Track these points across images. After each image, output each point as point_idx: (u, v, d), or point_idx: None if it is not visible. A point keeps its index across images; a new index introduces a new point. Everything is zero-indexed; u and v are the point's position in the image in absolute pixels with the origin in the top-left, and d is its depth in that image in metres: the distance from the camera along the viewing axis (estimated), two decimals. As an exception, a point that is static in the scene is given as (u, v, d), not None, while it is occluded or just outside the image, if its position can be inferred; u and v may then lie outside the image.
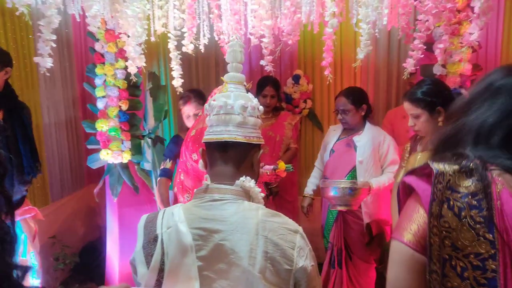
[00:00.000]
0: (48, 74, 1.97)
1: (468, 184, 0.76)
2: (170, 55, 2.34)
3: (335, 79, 3.43)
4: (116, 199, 2.64)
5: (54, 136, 3.19)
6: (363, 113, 2.63)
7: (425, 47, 1.85)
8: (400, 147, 2.73)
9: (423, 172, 0.84)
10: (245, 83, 1.31)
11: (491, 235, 0.72)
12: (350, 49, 3.34)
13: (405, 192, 0.91)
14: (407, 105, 1.91)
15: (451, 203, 0.75)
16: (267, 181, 2.46)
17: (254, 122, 1.24)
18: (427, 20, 1.72)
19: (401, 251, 0.83)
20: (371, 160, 2.58)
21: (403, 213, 0.88)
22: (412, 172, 0.87)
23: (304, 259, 1.08)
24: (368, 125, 2.67)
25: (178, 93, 2.46)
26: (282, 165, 2.39)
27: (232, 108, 1.20)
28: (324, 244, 2.81)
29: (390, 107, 3.45)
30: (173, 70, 2.35)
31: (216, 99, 1.25)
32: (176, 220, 1.10)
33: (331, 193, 2.37)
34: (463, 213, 0.74)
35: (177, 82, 2.37)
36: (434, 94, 1.85)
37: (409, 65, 1.89)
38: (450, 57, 2.00)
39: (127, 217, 2.67)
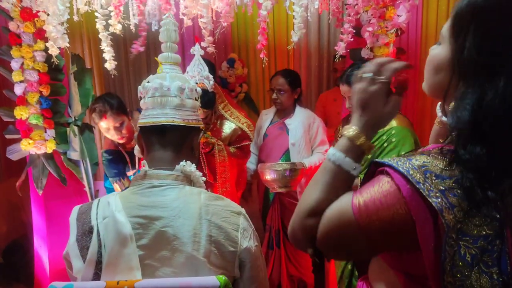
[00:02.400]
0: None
1: (480, 227, 0.63)
2: (100, 35, 2.19)
3: (270, 63, 3.47)
4: (42, 192, 2.44)
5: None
6: (296, 96, 2.72)
7: (354, 31, 1.92)
8: (331, 129, 2.86)
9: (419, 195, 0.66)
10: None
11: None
12: (283, 33, 3.39)
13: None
14: (344, 88, 1.96)
15: (462, 251, 0.63)
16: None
17: (192, 104, 1.21)
18: (356, 4, 1.79)
19: (342, 211, 0.73)
20: (303, 142, 2.68)
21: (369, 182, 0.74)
22: (402, 172, 0.68)
23: (248, 240, 1.09)
24: (298, 108, 2.76)
25: (112, 76, 2.31)
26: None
27: (169, 90, 1.16)
28: (263, 226, 2.87)
29: (322, 90, 3.56)
30: (104, 52, 2.20)
31: (151, 80, 1.19)
32: (113, 209, 1.05)
33: (270, 176, 2.41)
34: (475, 261, 0.63)
35: (110, 65, 2.23)
36: None
37: (341, 48, 1.96)
38: (377, 41, 2.10)
39: (55, 210, 2.49)
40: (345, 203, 0.73)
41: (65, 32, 1.92)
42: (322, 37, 3.45)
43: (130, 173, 2.39)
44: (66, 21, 2.03)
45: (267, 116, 2.86)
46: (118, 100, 2.23)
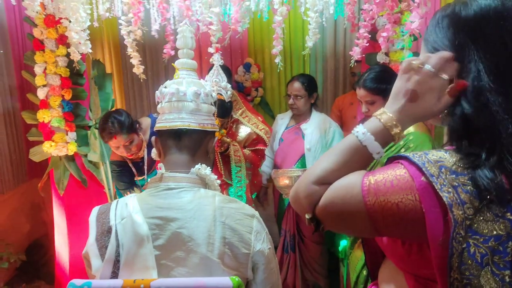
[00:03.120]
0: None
1: (491, 226, 0.62)
2: (125, 42, 2.25)
3: (285, 67, 3.49)
4: (63, 193, 2.52)
5: (-10, 129, 2.97)
6: (312, 101, 2.72)
7: (369, 36, 1.93)
8: (347, 133, 2.85)
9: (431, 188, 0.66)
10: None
11: None
12: (299, 37, 3.40)
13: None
14: (361, 92, 1.95)
15: (472, 249, 0.62)
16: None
17: (207, 109, 1.24)
18: (371, 10, 1.80)
19: (351, 183, 0.73)
20: (319, 146, 2.68)
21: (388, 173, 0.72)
22: (417, 163, 0.68)
23: (261, 243, 1.11)
24: (314, 112, 2.76)
25: (141, 80, 2.36)
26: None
27: (185, 95, 1.20)
28: (278, 230, 2.88)
29: (338, 94, 3.56)
30: (131, 58, 2.26)
31: (168, 86, 1.23)
32: (130, 210, 1.09)
33: (284, 182, 2.42)
34: (485, 261, 0.62)
35: (138, 70, 2.29)
36: (387, 80, 1.92)
37: (356, 53, 1.96)
38: (392, 46, 2.10)
39: (76, 211, 2.56)
40: (355, 179, 0.73)
41: (88, 38, 1.99)
42: (338, 41, 3.45)
43: (139, 178, 2.45)
44: (87, 27, 2.11)
45: (283, 120, 2.86)
46: (128, 118, 2.21)
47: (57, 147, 2.45)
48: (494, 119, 0.64)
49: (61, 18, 2.00)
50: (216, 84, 2.06)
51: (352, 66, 2.15)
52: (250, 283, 1.13)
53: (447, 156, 0.68)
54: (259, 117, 2.63)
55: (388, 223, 0.69)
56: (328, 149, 2.71)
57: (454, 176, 0.65)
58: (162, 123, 1.20)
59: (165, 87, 1.24)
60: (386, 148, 2.03)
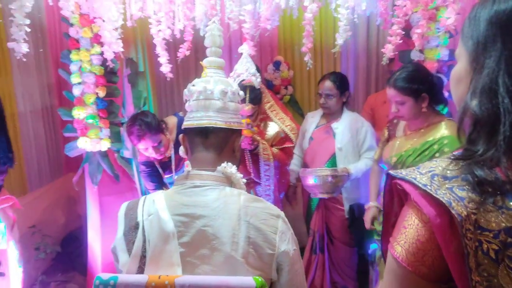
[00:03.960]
0: (24, 60, 1.92)
1: (498, 219, 0.60)
2: (154, 41, 2.30)
3: (316, 65, 3.44)
4: (96, 188, 2.60)
5: (30, 124, 3.11)
6: (344, 100, 2.65)
7: (403, 32, 1.87)
8: (379, 132, 2.78)
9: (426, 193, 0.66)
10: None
11: None
12: (330, 35, 3.35)
13: (392, 191, 0.78)
14: (391, 92, 1.90)
15: (485, 246, 0.60)
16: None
17: (234, 107, 1.23)
18: (405, 6, 1.74)
19: (392, 264, 0.72)
20: (350, 146, 2.61)
21: (399, 220, 0.74)
22: (409, 179, 0.69)
23: (286, 243, 1.10)
24: (346, 111, 2.69)
25: (168, 79, 2.41)
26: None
27: (212, 94, 1.20)
28: (306, 230, 2.84)
29: (370, 92, 3.49)
30: (159, 56, 2.30)
31: (196, 84, 1.24)
32: (157, 207, 1.10)
33: (312, 181, 2.39)
34: (499, 256, 0.60)
35: (166, 68, 2.33)
36: (419, 81, 1.85)
37: (388, 50, 1.91)
38: (427, 43, 2.03)
39: (108, 205, 2.64)
40: (389, 264, 0.73)
41: (119, 37, 2.03)
42: (371, 38, 3.38)
43: (167, 176, 2.48)
44: (120, 26, 2.16)
45: (313, 118, 2.79)
46: (154, 120, 2.23)
47: (91, 143, 2.52)
48: (498, 116, 0.62)
49: (95, 18, 2.05)
50: (245, 70, 2.09)
51: (385, 63, 2.09)
52: (275, 284, 1.12)
53: (436, 164, 0.69)
54: (288, 114, 2.61)
55: (434, 268, 0.68)
56: (360, 148, 2.64)
57: (447, 181, 0.65)
58: (190, 121, 1.21)
59: (193, 85, 1.24)
60: (420, 151, 1.96)
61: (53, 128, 3.35)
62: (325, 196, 2.43)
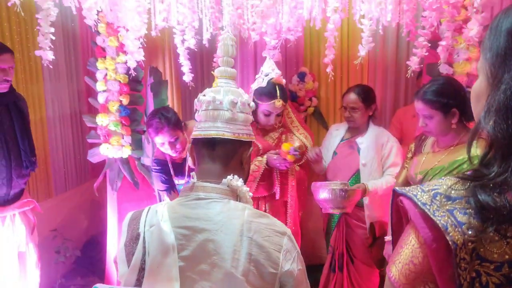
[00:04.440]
0: (51, 67, 1.98)
1: (501, 249, 0.55)
2: (178, 50, 2.32)
3: (342, 77, 3.36)
4: (116, 194, 2.63)
5: (58, 130, 3.20)
6: (370, 113, 2.55)
7: (429, 44, 1.78)
8: (406, 147, 2.66)
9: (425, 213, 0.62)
10: None
11: None
12: (356, 47, 3.27)
13: (398, 209, 0.73)
14: (419, 105, 1.81)
15: (483, 278, 0.56)
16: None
17: (244, 118, 1.20)
18: (431, 17, 1.66)
19: (387, 284, 0.70)
20: (374, 162, 2.50)
21: (400, 238, 0.71)
22: (409, 196, 0.66)
23: (290, 263, 1.04)
24: (371, 126, 2.59)
25: (190, 88, 2.42)
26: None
27: (221, 104, 1.17)
28: (326, 245, 2.74)
29: (398, 105, 3.37)
30: (182, 66, 2.32)
31: (206, 94, 1.21)
32: (159, 218, 1.07)
33: (322, 195, 2.29)
34: None
35: (188, 77, 2.34)
36: (449, 95, 1.76)
37: (413, 63, 1.83)
38: (456, 56, 1.93)
39: (127, 212, 2.63)
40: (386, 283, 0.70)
41: (141, 46, 2.06)
42: (401, 50, 3.27)
43: (179, 182, 2.46)
44: (145, 36, 2.19)
45: (337, 131, 2.69)
46: (175, 115, 2.26)
47: (113, 149, 2.56)
48: None
49: (119, 27, 2.10)
50: (273, 70, 2.17)
51: (409, 76, 2.00)
52: (278, 304, 1.06)
53: (442, 182, 0.65)
54: (304, 126, 2.56)
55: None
56: (383, 164, 2.53)
57: (450, 201, 0.60)
58: (197, 131, 1.18)
59: (204, 95, 1.22)
60: (448, 170, 1.84)
61: (80, 134, 3.44)
62: (336, 211, 2.33)
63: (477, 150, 1.72)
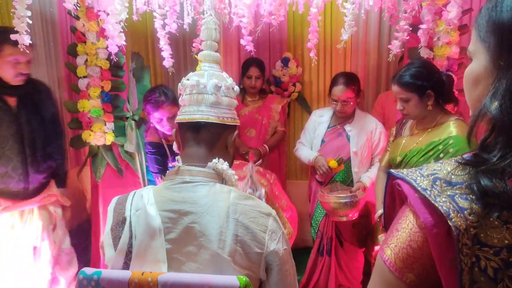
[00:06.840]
0: (27, 52, 1.92)
1: (501, 235, 0.55)
2: (158, 34, 2.28)
3: (325, 62, 3.38)
4: (100, 181, 2.60)
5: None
6: (358, 100, 2.57)
7: (410, 28, 1.81)
8: (389, 132, 2.69)
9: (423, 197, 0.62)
10: None
11: None
12: (340, 31, 3.28)
13: (394, 193, 0.73)
14: (396, 89, 1.87)
15: (482, 263, 0.56)
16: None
17: (228, 102, 1.20)
18: (412, 0, 1.68)
19: (379, 266, 0.69)
20: (365, 150, 2.53)
21: (394, 221, 0.71)
22: (408, 180, 0.65)
23: (276, 243, 1.07)
24: (358, 112, 2.60)
25: (170, 73, 2.40)
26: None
27: (205, 88, 1.17)
28: (311, 233, 2.78)
29: (380, 90, 3.41)
30: (163, 51, 2.29)
31: (189, 78, 1.21)
32: (145, 202, 1.08)
33: (330, 206, 2.36)
34: (499, 275, 0.56)
35: (168, 63, 2.31)
36: (424, 77, 1.80)
37: (395, 47, 1.85)
38: (437, 40, 1.96)
39: (111, 199, 2.64)
40: (378, 263, 0.70)
41: (121, 30, 2.02)
42: (383, 36, 3.29)
43: (172, 164, 2.46)
44: (125, 20, 2.14)
45: (322, 118, 2.68)
46: (173, 93, 2.33)
47: (95, 136, 2.52)
48: None
49: (99, 11, 2.05)
50: None
51: (391, 60, 2.03)
52: (264, 283, 1.09)
53: (441, 167, 0.64)
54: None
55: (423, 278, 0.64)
56: (373, 151, 2.55)
57: (450, 187, 0.60)
58: (182, 115, 1.18)
59: (187, 79, 1.22)
60: (425, 151, 1.89)
61: (63, 122, 3.37)
62: (343, 219, 2.39)
63: (452, 130, 1.77)
